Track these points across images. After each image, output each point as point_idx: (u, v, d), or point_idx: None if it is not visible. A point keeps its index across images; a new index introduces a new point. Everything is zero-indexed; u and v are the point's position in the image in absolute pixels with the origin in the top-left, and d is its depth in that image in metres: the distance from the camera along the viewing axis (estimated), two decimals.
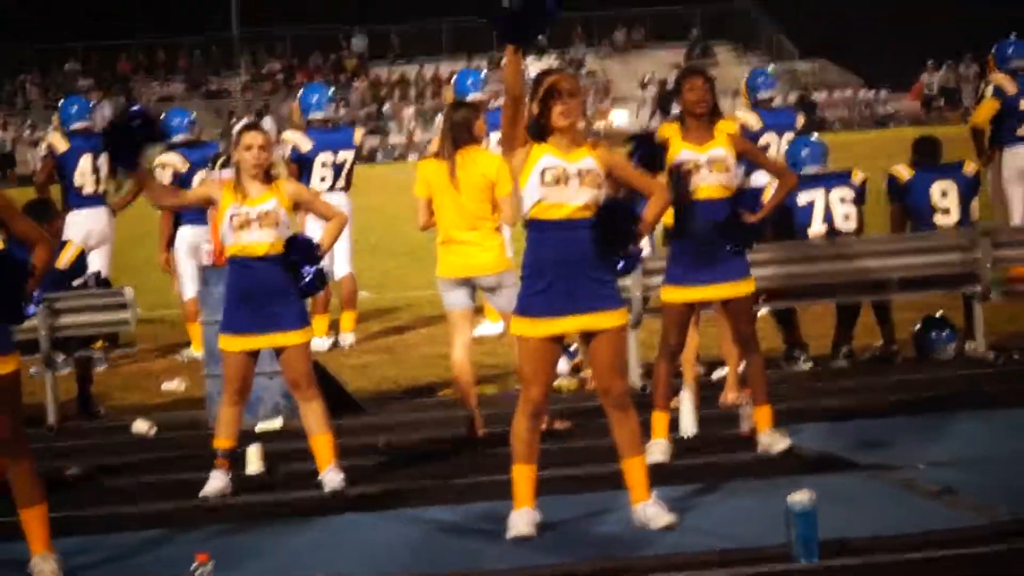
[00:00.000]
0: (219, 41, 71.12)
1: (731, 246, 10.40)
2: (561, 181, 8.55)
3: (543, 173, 8.56)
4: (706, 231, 10.38)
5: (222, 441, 10.30)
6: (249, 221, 10.13)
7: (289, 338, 10.24)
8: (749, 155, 10.94)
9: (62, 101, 17.98)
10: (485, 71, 18.42)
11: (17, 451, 8.34)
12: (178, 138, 16.67)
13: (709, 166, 10.44)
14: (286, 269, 10.18)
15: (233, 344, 10.24)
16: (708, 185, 10.42)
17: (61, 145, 16.73)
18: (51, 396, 13.06)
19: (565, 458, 10.50)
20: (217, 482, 10.27)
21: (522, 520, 8.65)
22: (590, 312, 8.61)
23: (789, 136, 15.96)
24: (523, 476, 8.70)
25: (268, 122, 54.55)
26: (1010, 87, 16.58)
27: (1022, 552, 7.91)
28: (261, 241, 10.15)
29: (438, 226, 11.60)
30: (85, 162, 16.53)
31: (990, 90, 16.98)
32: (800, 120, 16.89)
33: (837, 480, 9.55)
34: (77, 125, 16.94)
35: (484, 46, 69.38)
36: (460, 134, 11.48)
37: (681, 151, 10.45)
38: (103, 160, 16.55)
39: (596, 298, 8.61)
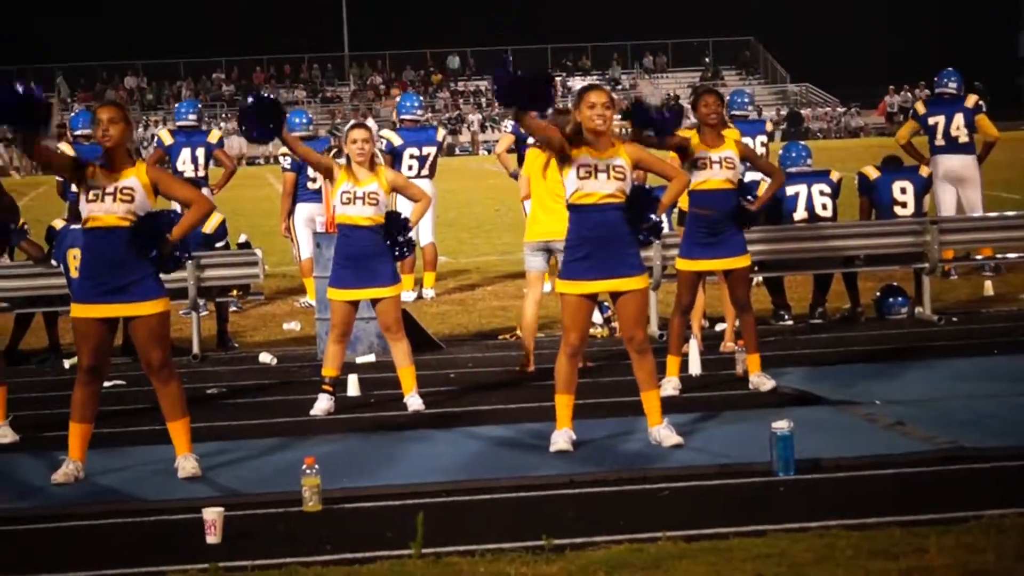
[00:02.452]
0: (334, 58, 71.17)
1: (737, 227, 10.39)
2: (592, 175, 8.52)
3: (579, 169, 8.54)
4: (714, 215, 10.32)
5: (329, 371, 10.29)
6: (356, 198, 10.12)
7: (384, 291, 10.24)
8: (750, 158, 10.85)
9: (176, 105, 18.01)
10: None
11: (168, 374, 8.36)
12: (298, 133, 16.62)
13: (720, 164, 10.38)
14: (384, 238, 10.18)
15: (339, 296, 10.23)
16: (718, 179, 10.37)
17: (167, 139, 16.81)
18: (196, 332, 13.08)
19: (596, 390, 10.47)
20: (324, 403, 10.27)
21: (562, 438, 8.63)
22: (619, 277, 8.58)
23: (761, 139, 15.79)
24: (563, 403, 8.67)
25: (371, 122, 54.51)
26: (921, 108, 16.51)
27: (957, 472, 7.87)
28: (364, 215, 10.14)
29: (532, 200, 11.58)
30: (185, 153, 16.56)
31: (911, 113, 17.01)
32: (768, 126, 16.85)
33: (811, 412, 9.50)
34: (182, 123, 16.97)
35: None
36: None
37: (698, 150, 10.39)
38: (200, 151, 16.56)
39: (624, 265, 8.58)
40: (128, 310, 8.26)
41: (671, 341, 10.48)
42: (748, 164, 11.00)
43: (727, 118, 16.67)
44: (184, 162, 16.50)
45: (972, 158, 16.24)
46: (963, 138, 16.15)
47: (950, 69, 16.55)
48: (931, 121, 16.23)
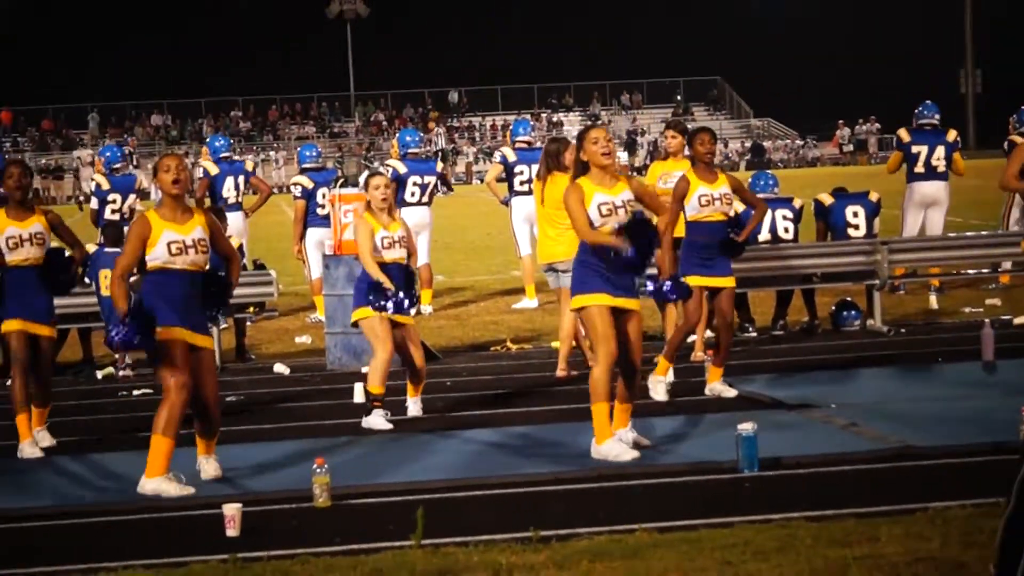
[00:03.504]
0: (341, 97, 71.25)
1: (727, 256, 10.35)
2: (612, 213, 8.43)
3: (600, 207, 8.42)
4: (712, 242, 10.30)
5: (376, 388, 9.91)
6: (394, 243, 10.05)
7: (408, 318, 10.13)
8: (737, 190, 10.65)
9: (209, 138, 18.03)
10: (533, 122, 18.41)
11: (217, 402, 8.34)
12: (308, 164, 16.67)
13: (721, 199, 10.30)
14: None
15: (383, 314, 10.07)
16: (716, 211, 10.29)
17: (213, 169, 16.76)
18: (217, 345, 13.02)
19: (580, 397, 10.43)
20: (380, 418, 9.86)
21: (619, 445, 8.32)
22: (628, 297, 8.47)
23: None
24: (604, 410, 8.38)
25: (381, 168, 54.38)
26: (905, 137, 16.32)
27: (906, 468, 7.88)
28: (400, 256, 10.07)
29: (537, 225, 11.62)
30: (229, 181, 16.57)
31: (895, 141, 16.79)
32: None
33: (774, 415, 9.49)
34: (224, 155, 16.98)
35: (526, 104, 69.45)
36: (551, 161, 11.28)
37: (699, 187, 10.31)
38: (240, 179, 16.58)
39: (628, 288, 8.48)
40: (202, 341, 8.14)
41: (669, 350, 10.42)
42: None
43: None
44: (228, 189, 16.56)
45: (946, 183, 16.14)
46: (941, 167, 16.01)
47: (930, 103, 16.36)
48: (914, 150, 16.03)
